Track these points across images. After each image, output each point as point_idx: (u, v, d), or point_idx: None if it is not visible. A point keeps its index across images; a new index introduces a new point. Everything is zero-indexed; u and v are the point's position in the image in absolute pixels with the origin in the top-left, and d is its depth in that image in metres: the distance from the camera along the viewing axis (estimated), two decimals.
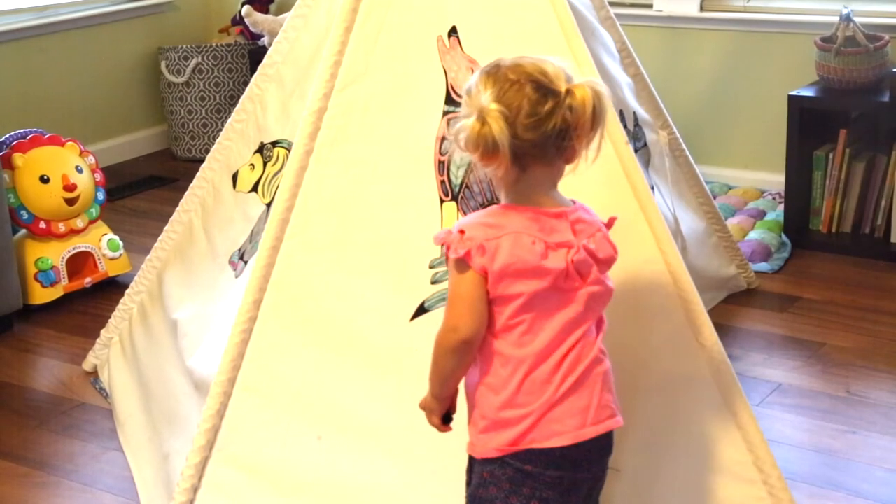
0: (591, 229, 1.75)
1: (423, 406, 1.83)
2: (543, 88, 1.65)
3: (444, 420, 1.83)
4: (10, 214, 3.38)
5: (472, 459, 1.81)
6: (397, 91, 2.38)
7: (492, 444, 1.73)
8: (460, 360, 1.74)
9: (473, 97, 1.68)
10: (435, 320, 2.23)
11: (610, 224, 1.82)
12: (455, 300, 1.71)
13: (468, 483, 1.82)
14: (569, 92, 1.66)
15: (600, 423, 1.74)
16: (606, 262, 1.76)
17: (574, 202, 1.78)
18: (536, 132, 1.65)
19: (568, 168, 1.75)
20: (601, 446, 1.76)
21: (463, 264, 1.69)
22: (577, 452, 1.72)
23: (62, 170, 3.60)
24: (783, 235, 3.86)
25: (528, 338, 1.71)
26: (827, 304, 3.40)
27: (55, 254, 3.57)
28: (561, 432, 1.71)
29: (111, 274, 3.69)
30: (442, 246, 1.72)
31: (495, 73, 1.68)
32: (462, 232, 1.69)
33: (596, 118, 1.68)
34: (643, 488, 2.19)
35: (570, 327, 1.73)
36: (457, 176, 2.32)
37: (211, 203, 2.91)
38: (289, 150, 2.73)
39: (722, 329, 2.60)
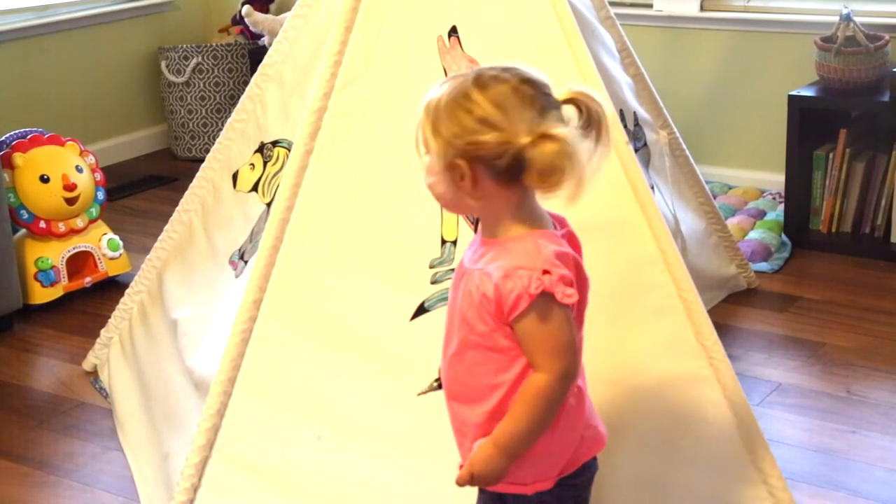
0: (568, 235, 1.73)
1: (490, 472, 1.65)
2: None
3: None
4: (10, 214, 3.38)
5: (510, 498, 1.73)
6: (397, 90, 2.37)
7: (547, 476, 1.70)
8: (561, 407, 1.65)
9: (511, 120, 1.58)
10: (435, 320, 2.24)
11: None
12: (565, 347, 1.60)
13: None
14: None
15: (597, 413, 1.78)
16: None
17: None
18: None
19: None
20: None
21: (568, 310, 1.60)
22: None
23: (62, 169, 3.60)
24: (783, 235, 3.86)
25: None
26: (827, 304, 3.40)
27: (55, 253, 3.57)
28: (595, 437, 1.75)
29: (111, 274, 3.69)
30: (536, 292, 1.57)
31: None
32: (549, 272, 1.58)
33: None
34: (643, 488, 2.19)
35: (580, 340, 1.72)
36: None
37: (211, 203, 2.91)
38: (289, 150, 2.73)
39: (722, 329, 2.59)
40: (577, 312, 1.69)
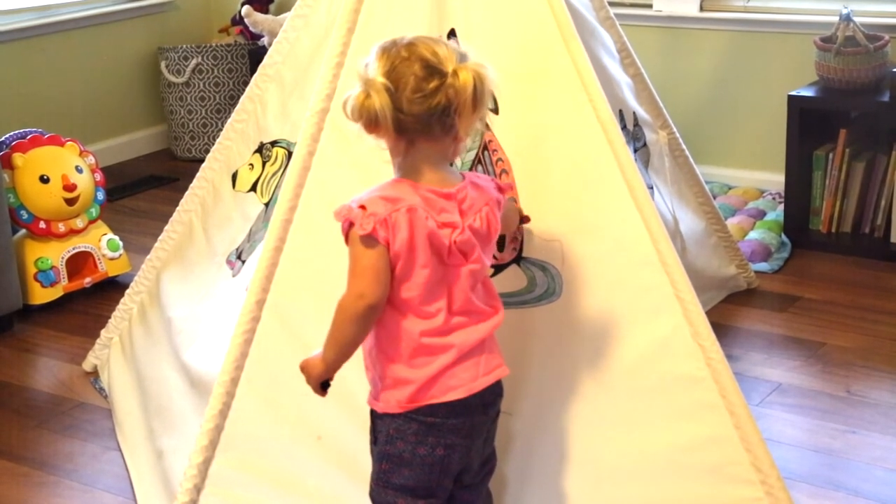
0: (479, 205, 1.85)
1: (310, 371, 1.89)
2: (431, 67, 1.76)
3: (323, 386, 1.91)
4: (10, 214, 3.38)
5: (374, 418, 1.91)
6: None
7: (394, 400, 1.85)
8: (364, 326, 1.82)
9: (365, 70, 1.78)
10: None
11: (505, 194, 1.94)
12: (361, 270, 1.79)
13: (374, 442, 1.92)
14: (454, 73, 1.76)
15: (490, 374, 1.88)
16: (490, 237, 1.88)
17: (465, 176, 1.88)
18: (420, 107, 1.75)
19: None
20: (494, 391, 1.91)
21: (370, 239, 1.78)
22: (474, 399, 1.86)
23: (62, 170, 3.60)
24: (783, 235, 3.86)
25: (421, 308, 1.82)
26: (827, 304, 3.40)
27: (55, 254, 3.57)
28: (456, 386, 1.84)
29: (111, 274, 3.69)
30: (344, 221, 1.80)
31: (389, 50, 1.78)
32: (363, 207, 1.78)
33: (476, 100, 1.77)
34: (642, 488, 2.19)
35: (458, 298, 1.84)
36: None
37: (211, 203, 2.91)
38: (287, 150, 2.73)
39: (722, 329, 2.60)
40: (467, 282, 1.83)
